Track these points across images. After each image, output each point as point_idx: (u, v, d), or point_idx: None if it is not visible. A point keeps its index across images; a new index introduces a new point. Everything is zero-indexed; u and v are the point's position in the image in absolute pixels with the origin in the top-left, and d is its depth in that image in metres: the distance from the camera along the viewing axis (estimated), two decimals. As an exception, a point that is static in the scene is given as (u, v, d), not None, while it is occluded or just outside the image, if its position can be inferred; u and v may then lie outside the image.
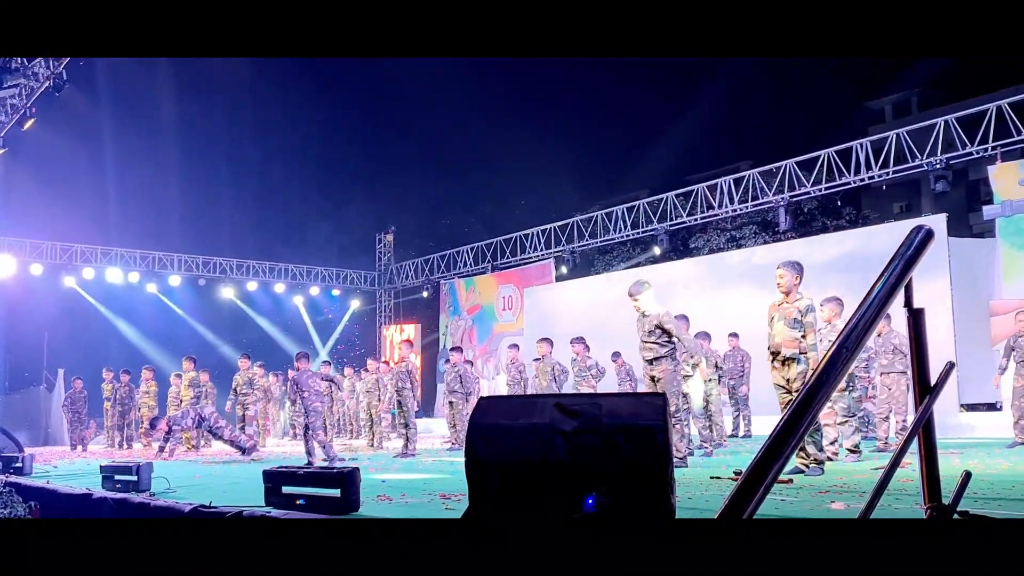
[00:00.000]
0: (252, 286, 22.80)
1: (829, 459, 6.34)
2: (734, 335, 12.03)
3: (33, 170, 19.71)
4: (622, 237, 18.60)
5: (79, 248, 20.32)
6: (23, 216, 20.17)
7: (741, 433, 12.01)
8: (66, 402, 15.58)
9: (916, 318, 1.79)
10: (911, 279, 1.77)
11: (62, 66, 10.64)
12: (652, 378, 7.08)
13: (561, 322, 17.58)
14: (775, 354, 6.16)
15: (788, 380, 6.05)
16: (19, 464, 7.92)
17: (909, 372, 8.25)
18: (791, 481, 5.25)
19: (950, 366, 1.84)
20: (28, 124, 11.61)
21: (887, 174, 14.25)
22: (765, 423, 11.65)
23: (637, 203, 17.99)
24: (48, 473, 8.06)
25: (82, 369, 16.76)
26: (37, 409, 18.84)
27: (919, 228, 1.86)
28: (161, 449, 11.03)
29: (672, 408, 6.73)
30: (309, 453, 9.12)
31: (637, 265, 22.13)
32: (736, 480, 4.95)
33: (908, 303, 1.79)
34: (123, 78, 20.69)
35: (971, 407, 12.32)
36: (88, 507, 5.79)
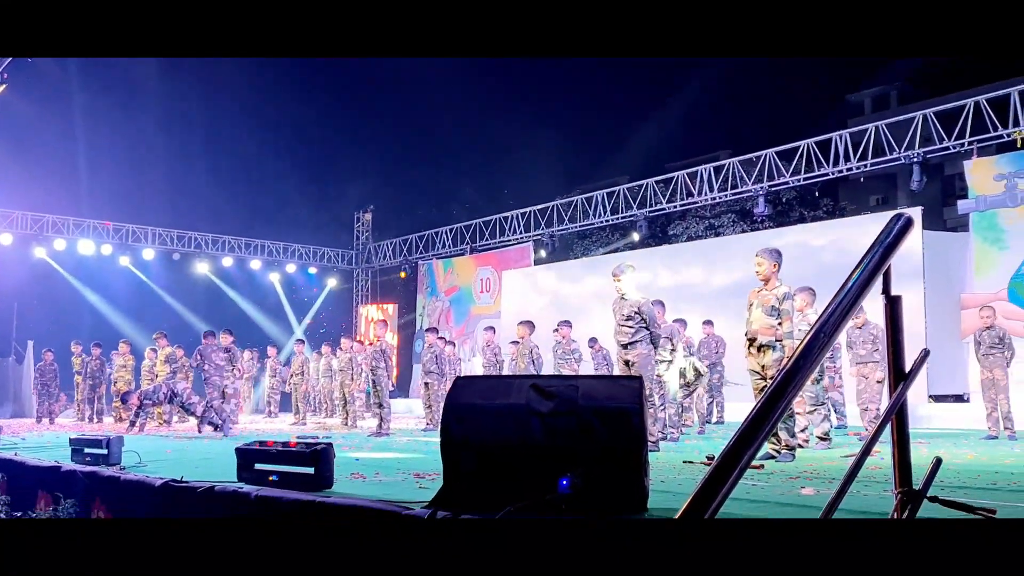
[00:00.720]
0: (227, 262, 22.60)
1: (800, 446, 6.41)
2: (708, 322, 12.11)
3: (4, 138, 19.37)
4: (601, 222, 18.62)
5: (50, 219, 20.03)
6: (-7, 184, 19.83)
7: (715, 419, 12.10)
8: (36, 374, 15.39)
9: (893, 305, 1.80)
10: (890, 266, 1.78)
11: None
12: (626, 362, 7.11)
13: (538, 306, 17.61)
14: (751, 341, 6.21)
15: (763, 367, 6.10)
16: (-14, 435, 7.82)
17: (880, 374, 8.37)
18: (762, 467, 5.30)
19: (925, 353, 1.85)
20: (0, 90, 11.39)
21: (865, 166, 14.37)
22: (739, 409, 11.75)
23: (617, 188, 18.01)
24: (16, 445, 7.96)
25: (52, 341, 16.56)
26: (5, 380, 18.60)
27: (899, 216, 1.86)
28: (132, 424, 10.94)
29: (646, 392, 6.76)
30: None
31: (616, 251, 22.19)
32: (709, 464, 5.00)
33: (886, 290, 1.80)
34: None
35: (939, 398, 12.51)
36: (57, 480, 5.73)
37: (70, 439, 6.40)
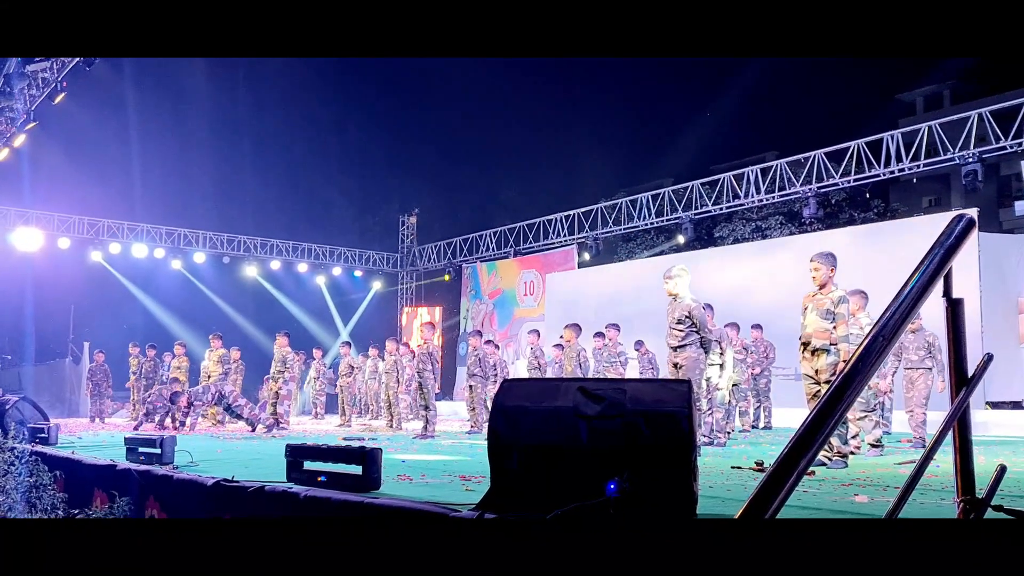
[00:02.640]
0: (275, 265, 22.94)
1: (852, 453, 6.29)
2: (757, 326, 11.96)
3: (62, 144, 19.92)
4: (646, 225, 18.51)
5: (106, 223, 20.53)
6: (52, 190, 20.42)
7: (762, 424, 11.95)
8: (88, 375, 15.77)
9: (955, 308, 1.76)
10: (951, 268, 1.74)
11: (93, 42, 10.67)
12: (675, 364, 7.05)
13: (582, 309, 17.55)
14: (805, 344, 6.11)
15: (816, 371, 6.00)
16: (45, 434, 8.03)
17: (938, 382, 8.13)
18: (813, 473, 5.21)
19: (988, 357, 1.81)
20: (59, 98, 11.72)
21: (917, 167, 14.06)
22: (785, 415, 11.59)
23: (662, 191, 17.88)
24: (73, 444, 8.17)
25: (107, 343, 16.98)
26: (63, 381, 19.10)
27: (960, 217, 1.82)
28: (182, 424, 11.14)
29: (695, 396, 6.70)
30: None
31: (660, 253, 22.05)
32: (758, 470, 4.92)
33: (947, 293, 1.76)
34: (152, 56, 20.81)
35: (996, 405, 12.19)
36: (112, 478, 5.86)
37: (125, 438, 6.54)
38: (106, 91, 18.34)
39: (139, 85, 21.94)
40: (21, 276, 19.64)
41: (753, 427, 11.06)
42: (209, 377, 13.16)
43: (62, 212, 19.95)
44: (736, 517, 1.33)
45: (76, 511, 5.98)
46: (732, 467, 5.70)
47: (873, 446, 7.08)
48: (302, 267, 23.34)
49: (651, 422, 3.13)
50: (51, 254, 19.65)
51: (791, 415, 11.25)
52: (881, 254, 12.71)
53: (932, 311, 1.87)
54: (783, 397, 12.10)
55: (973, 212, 12.23)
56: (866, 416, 7.16)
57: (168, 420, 11.47)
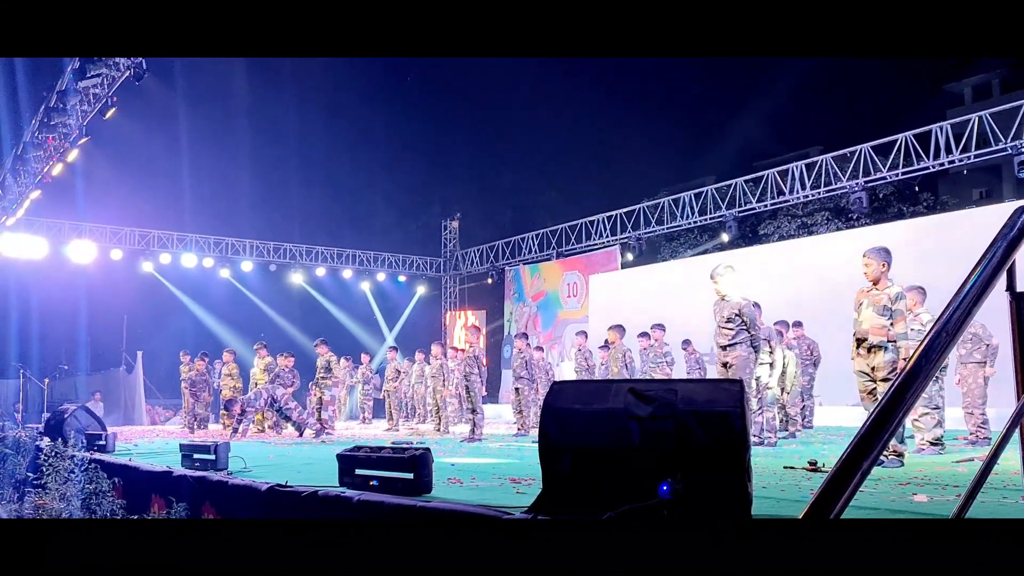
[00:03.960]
0: (321, 272, 23.21)
1: (918, 449, 6.15)
2: (798, 324, 11.75)
3: (113, 158, 20.37)
4: (689, 224, 18.36)
5: (156, 234, 20.97)
6: (104, 203, 20.90)
7: (802, 423, 11.75)
8: (186, 383, 15.61)
9: (1020, 302, 1.72)
10: (1014, 262, 1.70)
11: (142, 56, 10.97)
12: (724, 364, 6.99)
13: (626, 309, 17.47)
14: (860, 341, 6.00)
15: (873, 368, 5.89)
16: (103, 442, 8.23)
17: (988, 370, 7.94)
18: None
19: (1056, 354, 1.76)
20: (110, 113, 11.99)
21: (968, 158, 13.75)
22: (827, 413, 11.40)
23: (705, 189, 17.73)
24: (129, 451, 8.35)
25: (159, 352, 17.33)
26: (117, 390, 19.53)
27: (1022, 209, 1.78)
28: (235, 431, 11.32)
29: (746, 395, 6.63)
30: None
31: (704, 252, 21.84)
32: (811, 470, 4.84)
33: (1011, 287, 1.72)
34: (198, 67, 21.22)
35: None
36: (168, 484, 5.98)
37: (180, 445, 6.66)
38: (154, 105, 18.74)
39: (186, 98, 22.38)
40: (76, 288, 20.14)
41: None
42: (256, 385, 13.35)
43: (114, 224, 20.44)
44: (800, 517, 1.32)
45: (135, 516, 6.11)
46: (785, 467, 5.63)
47: (932, 444, 6.93)
48: (347, 273, 23.58)
49: (703, 422, 3.11)
50: (104, 265, 20.14)
51: (833, 413, 11.07)
52: (932, 248, 12.45)
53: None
54: (828, 395, 11.90)
55: (1028, 203, 11.97)
56: (927, 414, 7.01)
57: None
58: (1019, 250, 1.72)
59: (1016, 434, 1.71)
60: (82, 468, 7.20)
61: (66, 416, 9.50)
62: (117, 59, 10.93)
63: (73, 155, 13.52)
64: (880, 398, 1.55)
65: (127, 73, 11.03)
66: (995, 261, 1.68)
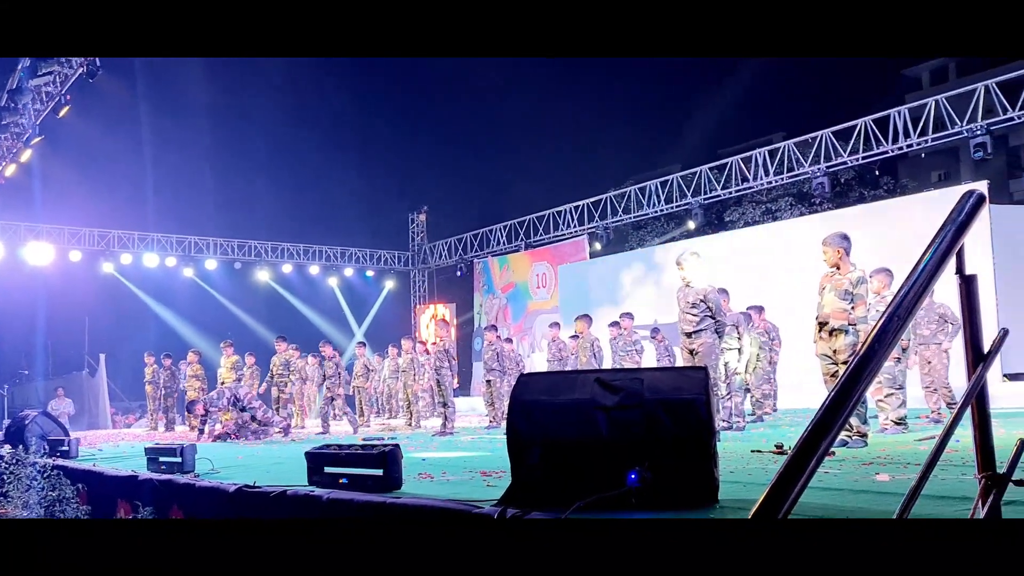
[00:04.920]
0: (287, 269, 23.01)
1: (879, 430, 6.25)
2: (760, 308, 11.84)
3: (70, 157, 20.03)
4: (656, 212, 18.46)
5: (116, 234, 20.63)
6: (61, 203, 20.58)
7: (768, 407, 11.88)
8: (151, 384, 15.45)
9: (969, 285, 1.75)
10: (963, 245, 1.72)
11: (95, 54, 10.78)
12: (691, 351, 7.04)
13: (595, 299, 17.54)
14: (822, 325, 6.09)
15: (835, 351, 5.97)
16: (65, 447, 8.09)
17: (945, 344, 8.13)
18: (834, 453, 5.20)
19: (1004, 333, 1.80)
20: (63, 112, 11.78)
21: (926, 142, 13.98)
22: (793, 397, 11.53)
23: (670, 177, 17.84)
24: (94, 456, 8.23)
25: (122, 353, 17.05)
26: (81, 393, 19.23)
27: (970, 193, 1.81)
28: (200, 431, 11.21)
29: (711, 382, 6.68)
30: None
31: (671, 240, 21.99)
32: (778, 453, 4.89)
33: (960, 270, 1.75)
34: (154, 63, 20.89)
35: (1014, 376, 12.11)
36: (134, 489, 5.90)
37: (145, 448, 6.57)
38: (110, 102, 18.42)
39: (143, 95, 22.02)
40: (34, 291, 19.79)
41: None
42: (222, 384, 13.24)
43: (72, 225, 20.08)
44: (752, 512, 1.33)
45: (101, 522, 6.02)
46: (752, 451, 5.69)
47: (896, 423, 7.05)
48: (314, 269, 23.41)
49: (669, 410, 3.13)
50: (63, 268, 19.78)
51: (799, 397, 11.20)
52: (893, 231, 12.64)
53: (942, 284, 1.85)
54: (792, 378, 12.02)
55: (983, 185, 12.19)
56: (892, 394, 7.13)
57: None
58: (967, 233, 1.75)
59: (968, 412, 1.74)
60: (44, 475, 7.08)
61: (27, 422, 9.32)
62: (69, 56, 10.72)
63: (27, 155, 13.27)
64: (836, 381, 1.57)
65: (80, 71, 10.83)
66: (944, 245, 1.71)
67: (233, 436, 10.89)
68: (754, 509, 1.37)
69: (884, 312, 1.62)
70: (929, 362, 8.58)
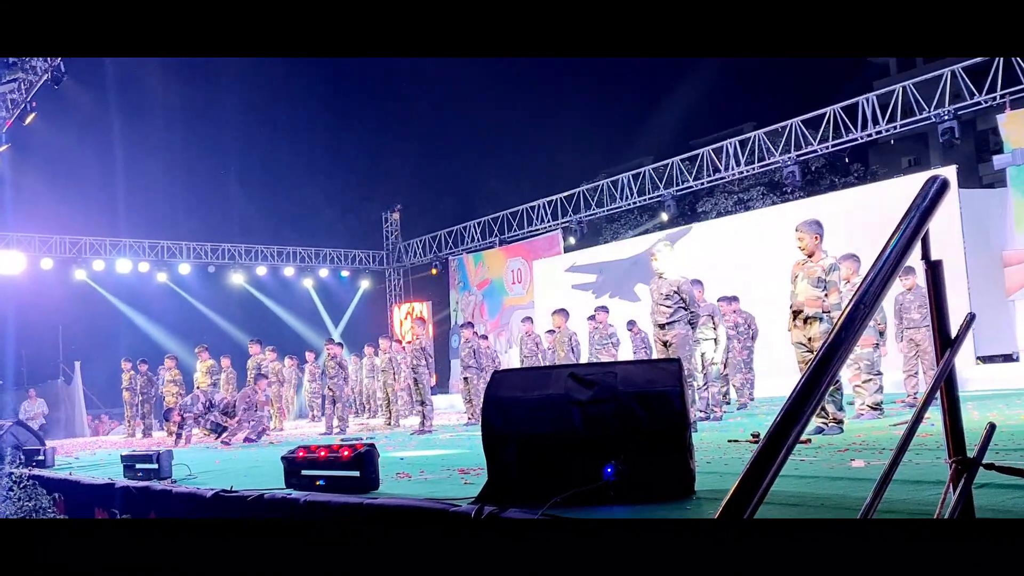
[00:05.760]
0: (261, 271, 22.85)
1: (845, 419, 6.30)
2: (734, 299, 11.92)
3: (38, 165, 19.79)
4: (629, 205, 18.52)
5: (87, 241, 20.38)
6: (31, 211, 20.31)
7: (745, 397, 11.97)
8: (128, 390, 15.23)
9: (934, 270, 1.76)
10: (928, 231, 1.73)
11: (59, 59, 10.61)
12: (664, 343, 7.06)
13: (571, 293, 17.57)
14: (797, 313, 6.12)
15: (810, 339, 6.00)
16: (41, 457, 7.99)
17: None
18: (810, 441, 5.24)
19: (971, 317, 1.81)
20: (29, 119, 11.60)
21: (894, 128, 14.12)
22: (768, 385, 11.62)
23: (642, 170, 17.90)
24: (70, 465, 8.13)
25: (97, 360, 16.85)
26: (57, 402, 18.99)
27: (934, 179, 1.82)
28: (178, 436, 11.10)
29: (685, 373, 6.70)
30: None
31: (645, 232, 22.06)
32: (754, 442, 4.93)
33: (926, 255, 1.75)
34: (122, 68, 20.65)
35: (987, 359, 12.28)
36: (111, 496, 5.84)
37: (121, 456, 6.51)
38: (77, 108, 18.18)
39: (110, 100, 21.75)
40: (5, 300, 19.50)
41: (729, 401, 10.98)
42: (198, 388, 13.12)
43: (43, 233, 19.80)
44: (728, 493, 1.33)
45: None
46: (729, 440, 5.72)
47: (872, 408, 7.12)
48: (288, 271, 23.26)
49: (644, 403, 3.14)
50: (34, 276, 19.52)
51: (774, 385, 11.28)
52: (864, 217, 12.75)
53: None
54: (767, 367, 12.12)
55: (952, 169, 12.30)
56: (870, 380, 7.19)
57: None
58: (932, 219, 1.76)
59: (937, 397, 1.75)
60: (20, 485, 7.00)
61: (1, 433, 9.20)
62: (34, 63, 10.56)
63: (-7, 163, 13.05)
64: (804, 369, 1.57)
65: (44, 77, 10.67)
66: (909, 231, 1.71)
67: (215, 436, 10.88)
68: (724, 501, 1.37)
69: (850, 299, 1.62)
70: (919, 345, 8.65)
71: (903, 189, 13.14)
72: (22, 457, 8.20)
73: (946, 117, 13.08)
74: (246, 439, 10.68)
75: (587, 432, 3.16)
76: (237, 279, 22.50)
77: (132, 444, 12.15)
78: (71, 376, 19.26)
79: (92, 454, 10.16)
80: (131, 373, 15.05)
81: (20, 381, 20.93)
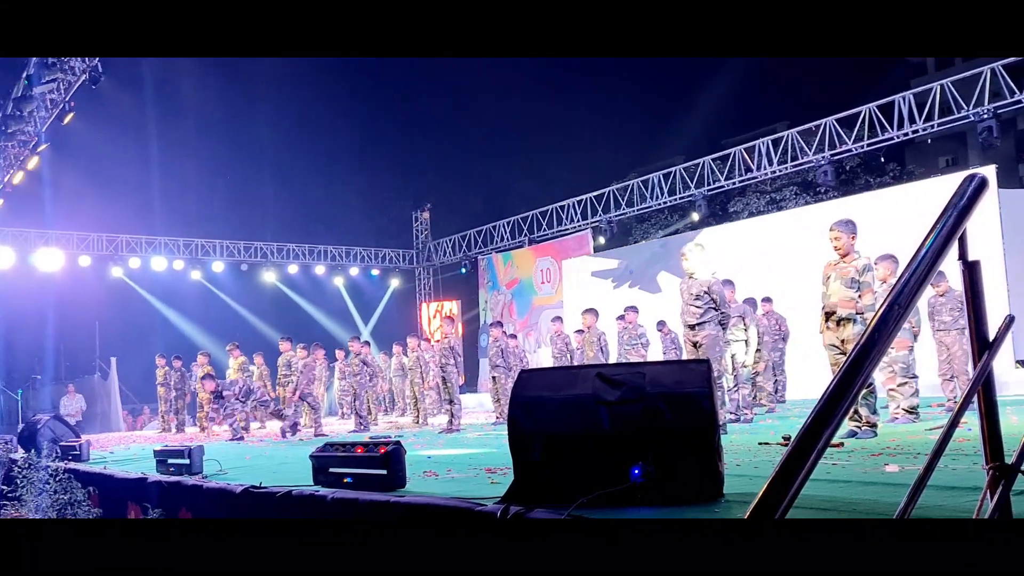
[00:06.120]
0: (293, 269, 23.04)
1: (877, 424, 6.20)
2: (767, 299, 11.81)
3: (76, 164, 20.08)
4: (659, 204, 18.40)
5: (124, 239, 20.68)
6: (69, 209, 20.61)
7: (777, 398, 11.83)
8: (166, 382, 15.46)
9: (972, 271, 1.71)
10: (965, 230, 1.69)
11: (96, 59, 10.77)
12: (694, 344, 6.99)
13: (600, 293, 17.50)
14: (829, 314, 6.02)
15: (843, 341, 5.90)
16: (77, 451, 8.12)
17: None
18: (842, 445, 5.16)
19: (1010, 319, 1.75)
20: (68, 118, 11.79)
21: (932, 127, 13.87)
22: (800, 387, 11.48)
23: (673, 169, 17.76)
24: (105, 459, 8.25)
25: (133, 357, 17.09)
26: (93, 397, 19.31)
27: (972, 177, 1.77)
28: (214, 412, 11.24)
29: (714, 375, 6.62)
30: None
31: (675, 232, 21.92)
32: (785, 445, 4.87)
33: (963, 256, 1.71)
34: (158, 68, 20.91)
35: (1027, 363, 12.02)
36: (144, 491, 5.91)
37: (154, 451, 6.59)
38: (114, 108, 18.44)
39: (145, 100, 22.04)
40: (45, 296, 19.86)
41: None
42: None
43: (81, 231, 20.13)
44: (756, 497, 1.30)
45: (110, 526, 6.03)
46: (759, 443, 5.66)
47: (908, 412, 6.99)
48: (319, 269, 23.43)
49: (672, 404, 3.10)
50: (72, 273, 19.85)
51: (806, 387, 11.14)
52: (900, 218, 12.55)
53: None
54: (799, 369, 11.98)
55: (991, 169, 12.06)
56: (906, 383, 7.07)
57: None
58: (970, 218, 1.71)
59: (974, 401, 1.70)
60: (56, 478, 7.11)
61: (39, 427, 9.37)
62: (72, 63, 10.72)
63: (34, 162, 13.29)
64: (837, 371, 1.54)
65: (83, 77, 10.83)
66: (946, 230, 1.67)
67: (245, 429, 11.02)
68: (754, 502, 1.34)
69: (884, 300, 1.58)
70: (949, 348, 8.51)
71: (940, 189, 12.91)
72: (58, 451, 8.34)
73: (985, 116, 12.83)
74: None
75: (614, 433, 3.13)
76: (269, 277, 22.72)
77: (165, 439, 12.32)
78: (107, 372, 19.57)
79: (126, 448, 10.31)
80: (165, 369, 15.25)
81: (59, 376, 21.33)
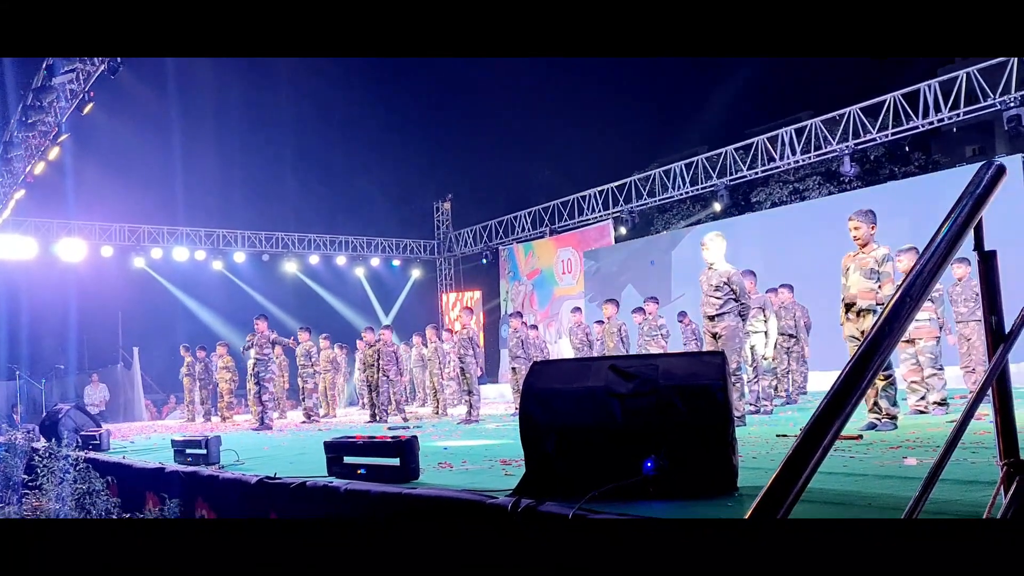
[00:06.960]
0: (314, 259, 23.14)
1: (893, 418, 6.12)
2: (789, 288, 11.65)
3: (97, 154, 20.21)
4: (681, 194, 18.27)
5: (146, 229, 20.86)
6: (91, 199, 20.78)
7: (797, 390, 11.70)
8: (191, 372, 15.67)
9: (987, 261, 1.66)
10: (982, 219, 1.64)
11: (117, 50, 10.82)
12: (714, 335, 6.93)
13: (621, 283, 17.43)
14: (849, 306, 5.94)
15: (863, 332, 5.82)
16: (96, 440, 8.19)
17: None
18: (861, 437, 5.09)
19: (1027, 311, 1.71)
20: (87, 108, 11.85)
21: (957, 116, 13.65)
22: (821, 379, 11.37)
23: (695, 159, 17.62)
24: (124, 449, 8.32)
25: (155, 347, 17.23)
26: (116, 387, 19.52)
27: (989, 164, 1.72)
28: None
29: (733, 366, 6.56)
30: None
31: (698, 222, 21.76)
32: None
33: (979, 245, 1.66)
34: (177, 59, 20.99)
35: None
36: (161, 481, 5.95)
37: (172, 441, 6.63)
38: (134, 98, 18.54)
39: (166, 90, 22.14)
40: (67, 286, 20.07)
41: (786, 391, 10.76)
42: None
43: (103, 221, 20.31)
44: (766, 487, 1.26)
45: (128, 515, 6.09)
46: (777, 435, 5.60)
47: (939, 404, 6.90)
48: (341, 260, 23.51)
49: (685, 397, 3.06)
50: (95, 263, 20.05)
51: (827, 379, 11.01)
52: (925, 208, 12.37)
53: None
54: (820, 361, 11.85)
55: (1017, 159, 11.82)
56: (935, 374, 6.97)
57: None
58: (986, 207, 1.66)
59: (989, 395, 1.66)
60: (76, 468, 7.17)
61: (60, 416, 9.47)
62: (91, 53, 10.77)
63: (55, 152, 13.39)
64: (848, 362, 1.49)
65: (101, 68, 10.89)
66: (961, 219, 1.62)
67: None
68: (756, 500, 1.30)
69: (896, 290, 1.54)
70: (968, 339, 8.39)
71: (966, 180, 12.69)
72: (79, 440, 8.42)
73: (1012, 104, 12.60)
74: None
75: (627, 425, 3.10)
76: (290, 268, 22.82)
77: (189, 428, 12.42)
78: (130, 361, 19.77)
79: (147, 438, 10.39)
80: (190, 359, 15.40)
81: (82, 366, 21.57)
